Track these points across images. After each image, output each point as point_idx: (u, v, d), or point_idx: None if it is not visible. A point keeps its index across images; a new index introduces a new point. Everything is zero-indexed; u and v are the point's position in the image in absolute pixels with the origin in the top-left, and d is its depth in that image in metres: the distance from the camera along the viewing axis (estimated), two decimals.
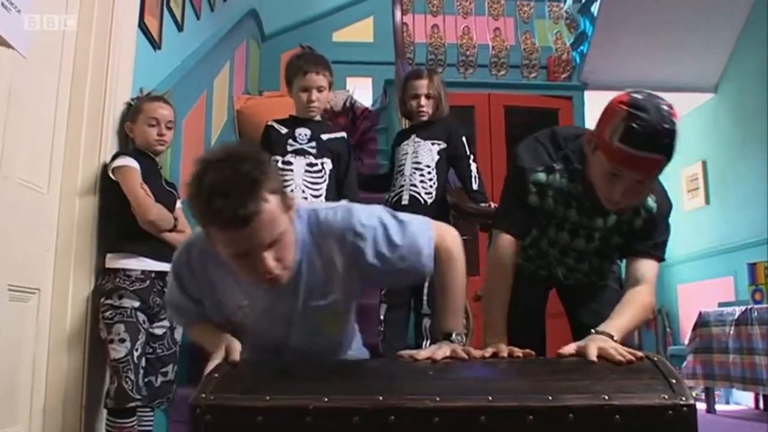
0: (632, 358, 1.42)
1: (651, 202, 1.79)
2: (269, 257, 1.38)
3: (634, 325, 1.69)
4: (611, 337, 1.53)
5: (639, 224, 1.82)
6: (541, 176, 1.82)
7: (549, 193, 1.84)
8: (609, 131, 1.55)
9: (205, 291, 1.61)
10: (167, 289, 1.72)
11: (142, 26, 2.99)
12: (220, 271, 1.55)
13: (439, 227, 1.62)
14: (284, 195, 1.42)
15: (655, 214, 1.80)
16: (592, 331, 1.57)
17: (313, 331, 1.63)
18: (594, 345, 1.47)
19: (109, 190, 2.51)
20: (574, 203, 1.85)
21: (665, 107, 1.53)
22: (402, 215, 1.58)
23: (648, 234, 1.81)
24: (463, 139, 3.00)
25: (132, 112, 2.63)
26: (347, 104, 4.90)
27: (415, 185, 2.87)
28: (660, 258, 1.83)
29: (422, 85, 2.97)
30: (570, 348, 1.52)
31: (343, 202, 1.60)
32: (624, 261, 1.92)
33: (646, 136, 1.49)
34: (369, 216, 1.54)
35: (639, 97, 1.54)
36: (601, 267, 2.02)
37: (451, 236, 1.63)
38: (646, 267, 1.79)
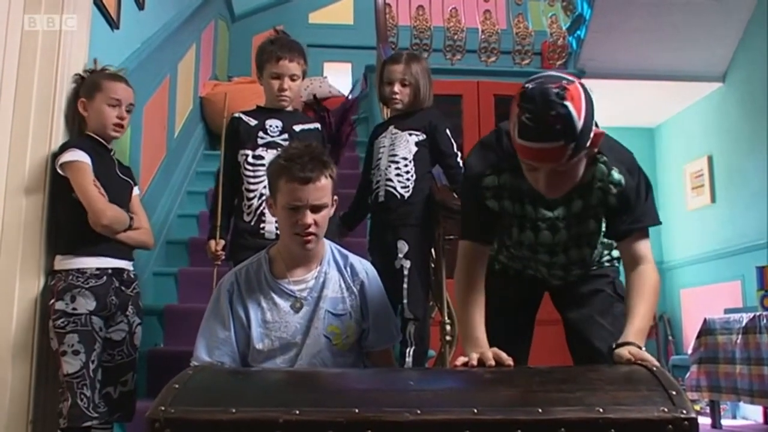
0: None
1: (617, 174, 1.80)
2: (310, 216, 1.96)
3: (652, 313, 1.81)
4: (639, 347, 1.66)
5: (613, 202, 1.84)
6: (490, 179, 1.88)
7: (504, 194, 1.90)
8: (512, 127, 1.65)
9: (242, 313, 2.04)
10: (204, 318, 2.08)
11: (98, 3, 2.96)
12: (257, 296, 2.05)
13: None
14: (335, 188, 2.05)
15: (626, 185, 1.81)
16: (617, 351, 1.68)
17: (320, 348, 2.02)
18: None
19: (57, 185, 2.47)
20: (526, 198, 1.89)
21: (555, 90, 1.59)
22: None
23: (627, 208, 1.83)
24: (447, 132, 2.97)
25: (88, 87, 2.56)
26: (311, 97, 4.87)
27: (390, 179, 2.85)
28: (654, 223, 1.88)
29: (397, 70, 2.95)
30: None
31: None
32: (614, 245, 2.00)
33: (536, 128, 1.59)
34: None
35: (529, 86, 1.61)
36: (581, 256, 2.03)
37: None
38: (639, 244, 1.86)
